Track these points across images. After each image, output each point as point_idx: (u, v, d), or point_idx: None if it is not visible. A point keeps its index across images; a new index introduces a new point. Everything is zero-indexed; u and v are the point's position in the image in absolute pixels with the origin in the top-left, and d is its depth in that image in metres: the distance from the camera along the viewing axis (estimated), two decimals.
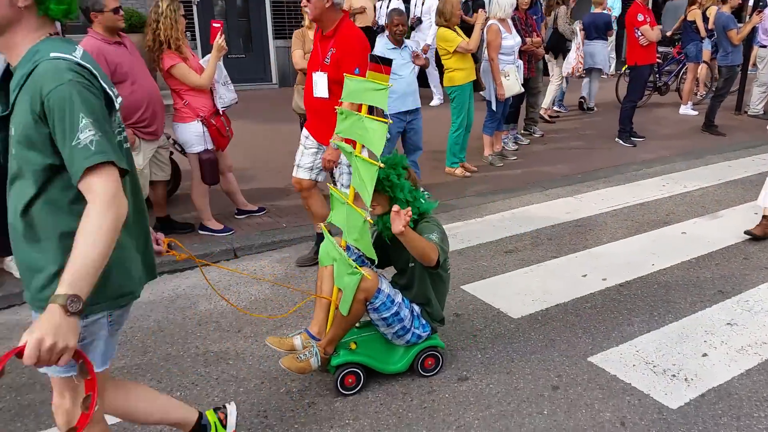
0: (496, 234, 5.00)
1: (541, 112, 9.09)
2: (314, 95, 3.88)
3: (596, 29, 9.07)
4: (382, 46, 5.48)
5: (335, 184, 4.05)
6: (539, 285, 4.11)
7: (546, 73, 9.02)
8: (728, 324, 3.61)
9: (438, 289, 3.07)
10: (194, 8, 10.14)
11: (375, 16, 9.40)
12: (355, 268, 2.77)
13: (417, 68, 5.58)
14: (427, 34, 9.13)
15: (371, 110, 3.15)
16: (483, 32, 6.25)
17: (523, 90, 6.83)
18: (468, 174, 6.45)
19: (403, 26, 5.42)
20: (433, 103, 9.80)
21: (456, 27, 6.14)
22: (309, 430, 2.74)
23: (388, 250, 3.09)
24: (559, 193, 6.05)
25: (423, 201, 2.98)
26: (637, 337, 3.48)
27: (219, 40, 4.42)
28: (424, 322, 3.06)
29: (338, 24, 3.76)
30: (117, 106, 1.79)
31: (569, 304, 3.85)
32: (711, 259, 4.51)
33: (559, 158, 7.17)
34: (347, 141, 3.20)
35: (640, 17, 7.36)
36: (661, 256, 4.55)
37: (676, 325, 3.60)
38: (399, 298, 2.97)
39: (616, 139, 7.93)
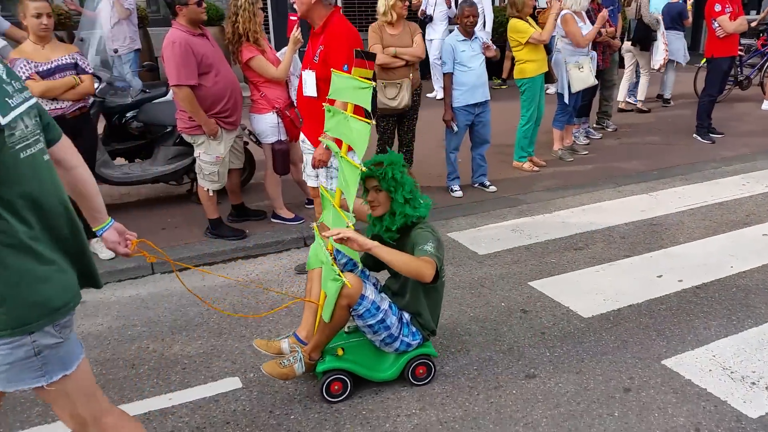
0: (566, 230, 4.91)
1: (638, 105, 8.96)
2: (303, 94, 3.78)
3: (671, 19, 8.70)
4: (452, 37, 5.45)
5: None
6: (611, 284, 4.02)
7: (621, 65, 8.74)
8: None
9: (431, 299, 2.95)
10: (269, 1, 10.35)
11: (421, 5, 9.33)
12: (338, 274, 2.68)
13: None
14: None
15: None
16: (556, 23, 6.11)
17: (596, 82, 6.65)
18: (536, 168, 6.34)
19: (473, 18, 5.37)
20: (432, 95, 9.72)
21: (528, 17, 6.03)
22: (376, 417, 2.80)
23: None
24: (632, 189, 5.87)
25: (421, 202, 2.88)
26: (714, 341, 3.35)
27: (295, 33, 4.52)
28: (414, 329, 2.95)
29: (327, 20, 3.61)
30: (4, 122, 1.61)
31: (643, 305, 3.75)
32: None
33: (633, 154, 6.95)
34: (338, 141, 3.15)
35: (718, 7, 6.99)
36: (741, 258, 4.36)
37: (756, 331, 3.45)
38: (385, 305, 2.86)
39: (694, 135, 7.61)
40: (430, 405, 2.87)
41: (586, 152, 6.98)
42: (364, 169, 2.66)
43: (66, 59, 3.97)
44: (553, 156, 6.74)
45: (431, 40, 9.15)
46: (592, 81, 6.42)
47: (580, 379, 3.05)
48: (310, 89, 3.70)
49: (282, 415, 2.83)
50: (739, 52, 8.61)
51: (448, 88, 5.41)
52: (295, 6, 3.68)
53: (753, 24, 10.11)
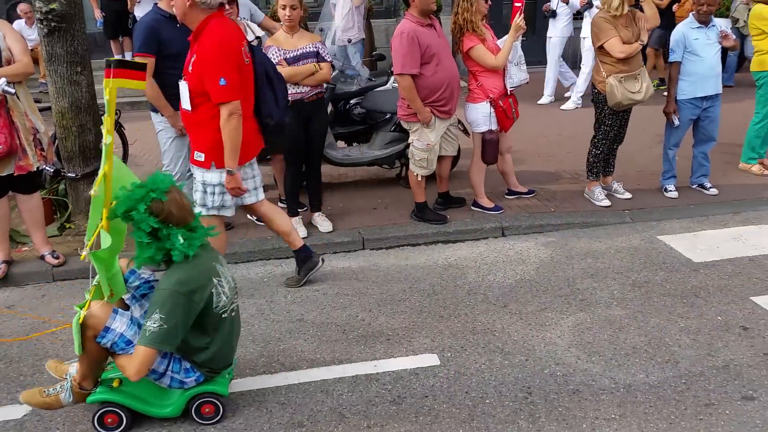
0: None
1: None
2: (181, 106, 3.50)
3: None
4: (686, 24, 5.02)
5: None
6: None
7: None
8: None
9: (200, 338, 2.69)
10: None
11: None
12: (81, 305, 2.57)
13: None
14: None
15: None
16: None
17: None
18: (767, 172, 5.65)
19: (709, 6, 4.91)
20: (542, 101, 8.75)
21: None
22: (573, 416, 2.77)
23: None
24: None
25: (178, 245, 2.57)
26: None
27: (518, 20, 4.54)
28: (187, 366, 2.73)
29: (200, 26, 3.28)
30: None
31: None
32: None
33: None
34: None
35: None
36: None
37: None
38: None
39: None
40: (632, 413, 2.77)
41: None
42: (93, 193, 2.51)
43: (310, 47, 4.37)
44: None
45: (550, 37, 8.57)
46: None
47: None
48: (185, 102, 3.43)
49: (477, 397, 2.93)
50: None
51: (674, 78, 5.03)
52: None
53: None
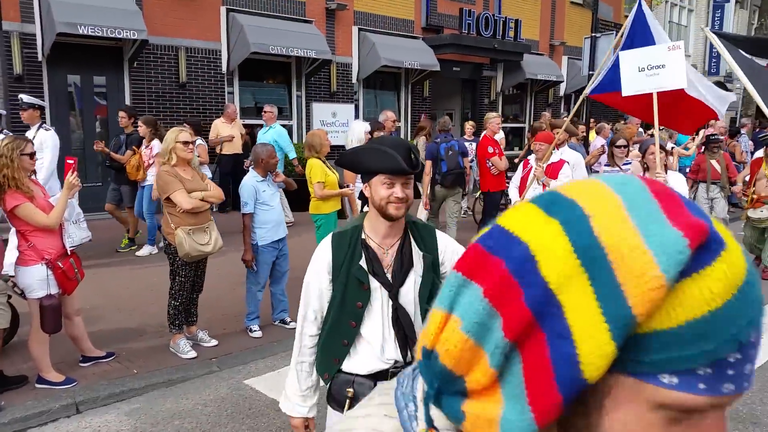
0: None
1: None
2: None
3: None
4: (251, 178, 5.47)
5: None
6: None
7: None
8: None
9: None
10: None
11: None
12: None
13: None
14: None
15: None
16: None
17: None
18: None
19: (276, 159, 5.54)
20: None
21: (324, 158, 6.35)
22: None
23: None
24: None
25: None
26: None
27: (71, 177, 4.24)
28: None
29: None
30: None
31: None
32: None
33: None
34: None
35: (490, 149, 8.11)
36: None
37: None
38: None
39: None
40: None
41: None
42: None
43: None
44: None
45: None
46: None
47: None
48: None
49: None
50: (507, 185, 9.91)
51: (248, 227, 5.36)
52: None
53: (516, 160, 11.78)
